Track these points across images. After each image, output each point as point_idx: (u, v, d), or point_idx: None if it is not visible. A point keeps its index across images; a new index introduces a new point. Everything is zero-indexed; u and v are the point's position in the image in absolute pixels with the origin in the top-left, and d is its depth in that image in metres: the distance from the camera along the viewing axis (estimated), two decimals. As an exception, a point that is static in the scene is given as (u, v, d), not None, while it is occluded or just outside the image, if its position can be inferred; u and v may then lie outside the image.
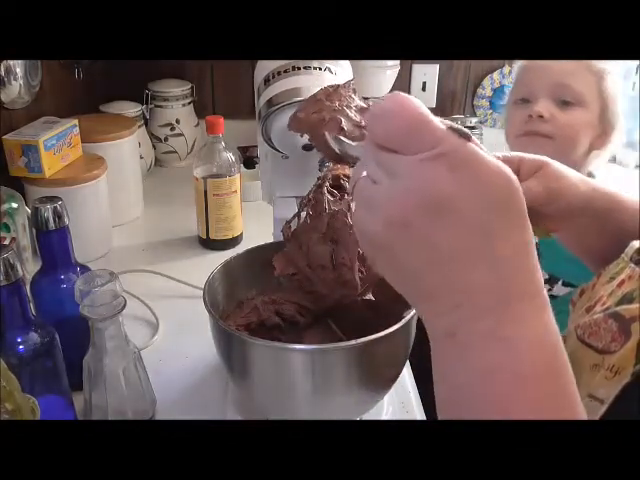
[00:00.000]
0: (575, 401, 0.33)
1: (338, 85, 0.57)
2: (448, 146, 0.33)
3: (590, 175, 1.01)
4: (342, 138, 0.47)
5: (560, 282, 0.95)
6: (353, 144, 0.45)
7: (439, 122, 0.34)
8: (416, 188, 0.33)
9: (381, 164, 0.35)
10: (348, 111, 0.51)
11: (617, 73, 1.00)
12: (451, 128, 0.33)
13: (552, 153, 0.57)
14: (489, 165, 0.33)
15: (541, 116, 0.97)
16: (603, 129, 1.00)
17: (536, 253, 0.34)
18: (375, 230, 0.35)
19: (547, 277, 0.96)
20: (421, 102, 0.34)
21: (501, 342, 0.33)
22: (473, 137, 0.34)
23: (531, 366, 0.32)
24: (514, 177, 0.34)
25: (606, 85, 0.98)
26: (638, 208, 0.54)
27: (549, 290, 0.96)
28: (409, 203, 0.33)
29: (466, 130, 0.33)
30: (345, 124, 0.50)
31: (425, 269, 0.34)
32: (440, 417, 0.36)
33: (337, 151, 0.46)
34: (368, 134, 0.37)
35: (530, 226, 0.34)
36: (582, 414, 0.33)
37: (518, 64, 1.08)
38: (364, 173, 0.37)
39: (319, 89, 0.59)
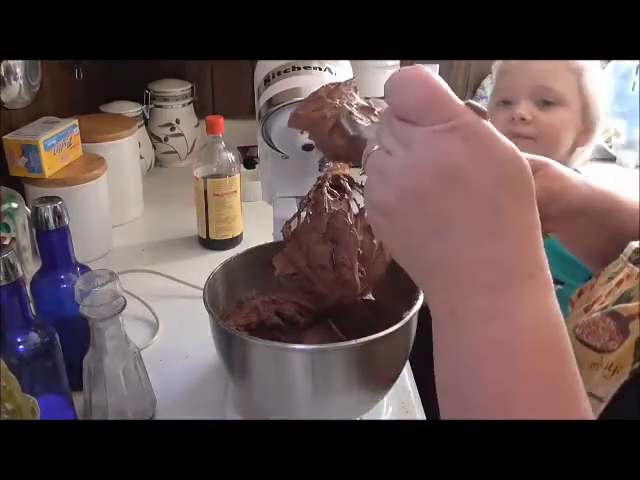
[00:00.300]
0: (577, 384, 0.33)
1: (339, 83, 0.56)
2: (463, 120, 0.33)
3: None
4: (356, 119, 0.46)
5: None
6: (367, 124, 0.45)
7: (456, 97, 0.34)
8: (431, 159, 0.33)
9: (396, 134, 0.35)
10: (349, 109, 0.51)
11: (597, 70, 1.01)
12: (468, 104, 0.34)
13: (536, 154, 0.57)
14: (502, 142, 0.34)
15: (523, 118, 0.97)
16: (586, 126, 1.00)
17: (542, 238, 0.34)
18: (387, 200, 0.35)
19: None
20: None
21: (502, 320, 0.33)
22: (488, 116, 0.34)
23: (532, 345, 0.32)
24: (525, 159, 0.34)
25: (585, 82, 0.98)
26: (638, 208, 0.54)
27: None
28: (424, 174, 0.33)
29: (483, 107, 0.34)
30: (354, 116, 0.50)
31: (434, 240, 0.34)
32: (440, 398, 0.36)
33: (350, 133, 0.46)
34: (386, 103, 0.37)
35: (537, 211, 0.34)
36: (583, 398, 0.33)
37: (497, 66, 1.08)
38: (376, 147, 0.37)
39: (320, 87, 0.58)
